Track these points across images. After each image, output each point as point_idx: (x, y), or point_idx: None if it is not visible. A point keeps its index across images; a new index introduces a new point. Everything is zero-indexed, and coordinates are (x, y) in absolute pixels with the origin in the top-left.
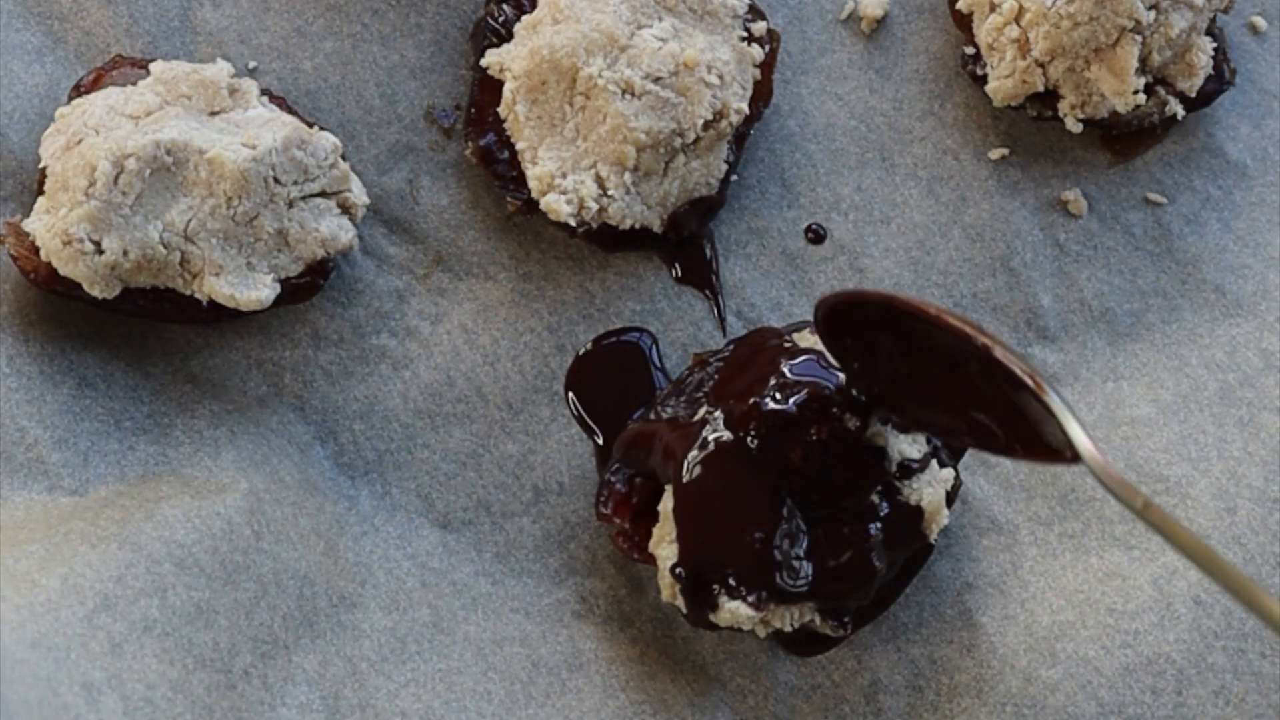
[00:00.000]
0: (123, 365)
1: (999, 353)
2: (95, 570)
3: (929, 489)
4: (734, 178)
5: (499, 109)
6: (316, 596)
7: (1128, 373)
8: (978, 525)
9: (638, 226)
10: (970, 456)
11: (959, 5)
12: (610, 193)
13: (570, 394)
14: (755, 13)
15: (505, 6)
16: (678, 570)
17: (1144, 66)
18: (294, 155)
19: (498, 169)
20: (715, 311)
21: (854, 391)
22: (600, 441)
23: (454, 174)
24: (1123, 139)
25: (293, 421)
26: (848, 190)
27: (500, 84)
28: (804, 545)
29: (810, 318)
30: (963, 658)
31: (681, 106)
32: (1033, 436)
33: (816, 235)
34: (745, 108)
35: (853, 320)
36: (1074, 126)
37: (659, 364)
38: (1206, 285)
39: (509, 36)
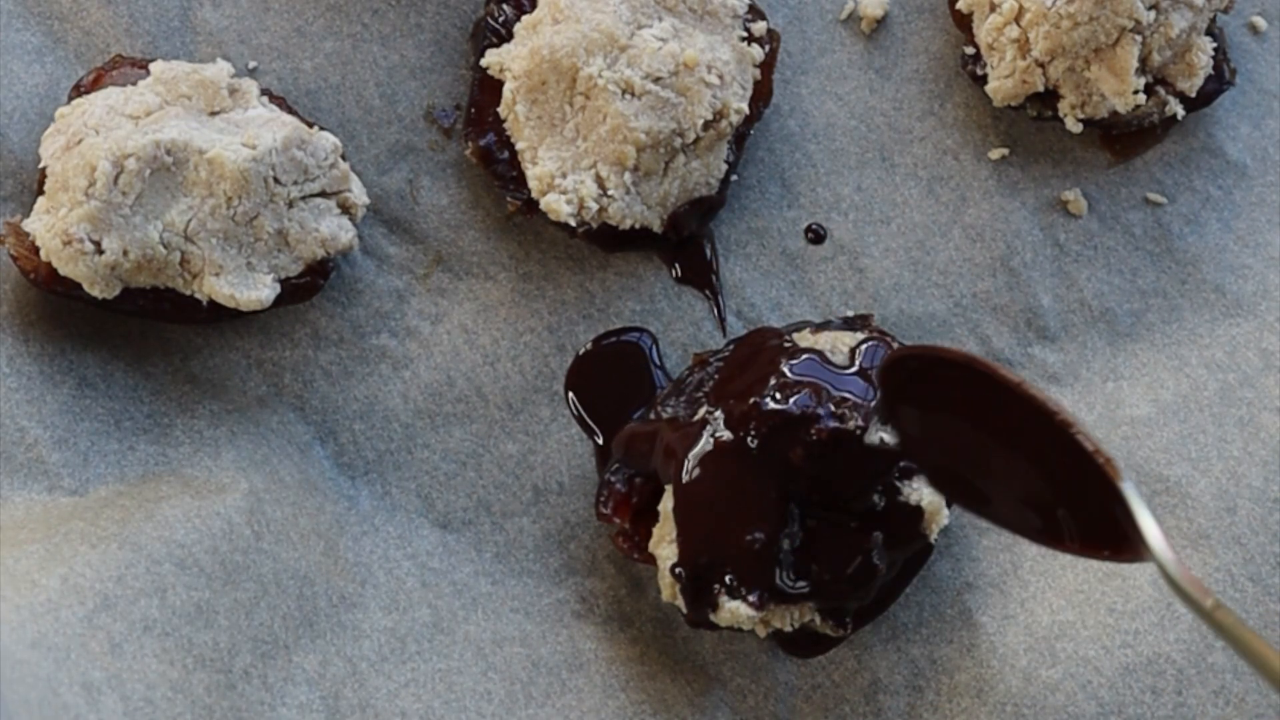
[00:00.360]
0: (123, 365)
1: (1078, 432)
2: (95, 570)
3: (929, 489)
4: (734, 178)
5: (499, 109)
6: (316, 596)
7: (1128, 373)
8: (978, 525)
9: (638, 226)
10: None
11: (959, 5)
12: (610, 193)
13: (570, 394)
14: (755, 13)
15: (505, 6)
16: (678, 570)
17: (1144, 66)
18: (294, 155)
19: (498, 169)
20: (715, 311)
21: (902, 461)
22: (600, 441)
23: (454, 174)
24: (1123, 139)
25: (293, 421)
26: (848, 190)
27: (500, 84)
28: (804, 545)
29: (810, 318)
30: (963, 658)
31: (681, 106)
32: (1092, 529)
33: (816, 235)
34: (745, 108)
35: (919, 379)
36: (1074, 126)
37: (659, 364)
38: (1206, 285)
39: (509, 36)
